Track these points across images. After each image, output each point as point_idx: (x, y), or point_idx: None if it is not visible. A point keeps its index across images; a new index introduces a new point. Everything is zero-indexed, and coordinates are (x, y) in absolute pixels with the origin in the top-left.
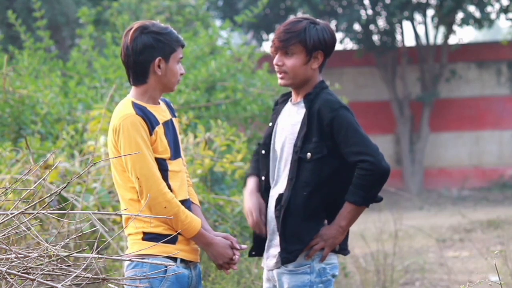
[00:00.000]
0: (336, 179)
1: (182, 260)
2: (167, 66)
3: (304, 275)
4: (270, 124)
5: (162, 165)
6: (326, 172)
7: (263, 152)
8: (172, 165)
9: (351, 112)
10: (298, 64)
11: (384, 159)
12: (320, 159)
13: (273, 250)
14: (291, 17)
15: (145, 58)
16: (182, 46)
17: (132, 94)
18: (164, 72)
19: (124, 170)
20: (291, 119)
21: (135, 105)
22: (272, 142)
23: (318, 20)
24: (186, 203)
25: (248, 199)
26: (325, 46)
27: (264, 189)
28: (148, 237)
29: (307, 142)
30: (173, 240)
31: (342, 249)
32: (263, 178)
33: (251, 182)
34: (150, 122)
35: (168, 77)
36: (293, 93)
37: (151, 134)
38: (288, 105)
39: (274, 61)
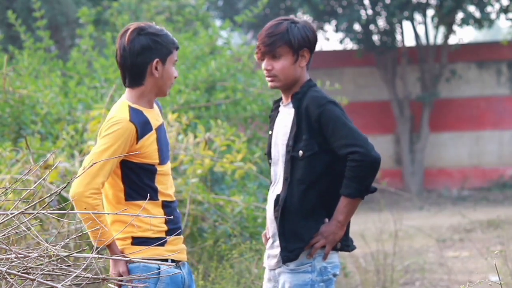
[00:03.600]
0: (330, 174)
1: (173, 261)
2: (163, 68)
3: (306, 274)
4: (270, 132)
5: (149, 169)
6: (319, 168)
7: (270, 161)
8: (160, 169)
9: (339, 106)
10: (287, 65)
11: (374, 149)
12: (312, 155)
13: (274, 250)
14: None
15: (143, 59)
16: (177, 48)
17: (128, 97)
18: (161, 74)
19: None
20: (283, 121)
21: (131, 110)
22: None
23: (296, 18)
24: (173, 203)
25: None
26: (309, 43)
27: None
28: (138, 241)
29: (298, 140)
30: (162, 243)
31: (345, 245)
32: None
33: None
34: (142, 129)
35: (164, 79)
36: (283, 95)
37: (137, 143)
38: (280, 108)
39: (263, 67)
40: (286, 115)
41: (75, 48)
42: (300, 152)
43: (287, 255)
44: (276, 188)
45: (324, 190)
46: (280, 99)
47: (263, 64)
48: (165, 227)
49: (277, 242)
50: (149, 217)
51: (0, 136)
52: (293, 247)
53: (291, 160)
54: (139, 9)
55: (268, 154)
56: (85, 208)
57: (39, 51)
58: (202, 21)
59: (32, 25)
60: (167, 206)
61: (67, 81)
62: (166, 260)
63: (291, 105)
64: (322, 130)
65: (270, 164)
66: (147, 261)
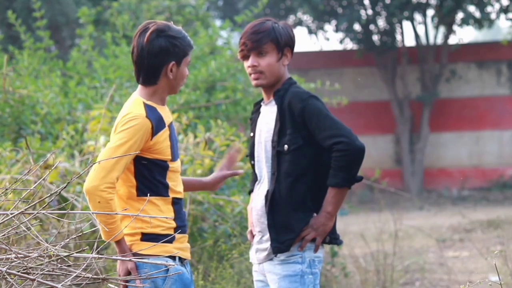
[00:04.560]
0: (316, 167)
1: (179, 259)
2: (178, 70)
3: (296, 264)
4: (252, 134)
5: (161, 165)
6: (305, 161)
7: (252, 162)
8: (172, 166)
9: (321, 100)
10: (272, 62)
11: (358, 139)
12: (297, 149)
13: (263, 244)
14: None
15: (159, 61)
16: (192, 48)
17: (141, 94)
18: (175, 75)
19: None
20: (265, 119)
21: (147, 106)
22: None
23: (275, 19)
24: (181, 201)
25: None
26: (292, 43)
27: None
28: (147, 237)
29: (282, 135)
30: (170, 240)
31: (333, 238)
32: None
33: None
34: (157, 126)
35: (178, 80)
36: (264, 94)
37: (151, 139)
38: (262, 108)
39: (249, 63)
40: (268, 113)
41: (75, 48)
42: (285, 146)
43: (278, 246)
44: (263, 185)
45: (311, 182)
46: (260, 101)
47: (250, 61)
48: (174, 224)
49: (266, 236)
50: (150, 217)
51: (0, 136)
52: (283, 239)
53: (277, 155)
54: (139, 9)
55: (251, 155)
56: (98, 202)
57: (39, 51)
58: (202, 21)
59: (32, 25)
60: (176, 203)
61: (67, 81)
62: (173, 257)
63: (273, 102)
64: (305, 124)
65: (252, 165)
66: (153, 262)
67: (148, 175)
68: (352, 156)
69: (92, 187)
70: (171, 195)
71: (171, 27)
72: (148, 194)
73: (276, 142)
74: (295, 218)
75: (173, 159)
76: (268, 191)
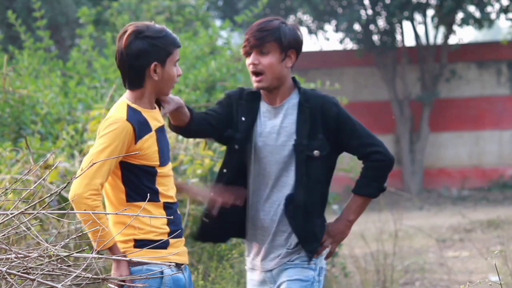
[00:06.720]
0: (331, 174)
1: (176, 264)
2: (163, 70)
3: (310, 270)
4: (243, 118)
5: (149, 171)
6: (330, 168)
7: (236, 147)
8: (161, 171)
9: None
10: (274, 62)
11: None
12: (326, 155)
13: (275, 251)
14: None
15: (140, 63)
16: (179, 47)
17: (128, 97)
18: (161, 76)
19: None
20: (281, 122)
21: (130, 109)
22: (253, 145)
23: (284, 20)
24: (174, 205)
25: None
26: (297, 45)
27: (226, 183)
28: (140, 244)
29: (312, 139)
30: (164, 245)
31: None
32: (225, 171)
33: None
34: (140, 129)
35: (165, 81)
36: (269, 97)
37: (135, 143)
38: (266, 108)
39: (250, 61)
40: (281, 117)
41: (75, 48)
42: (316, 151)
43: (309, 255)
44: (276, 189)
45: (327, 189)
46: (256, 93)
47: (251, 59)
48: (167, 229)
49: (278, 242)
50: (150, 217)
51: (0, 136)
52: (312, 247)
53: (306, 160)
54: (139, 9)
55: (239, 141)
56: (84, 210)
57: (39, 51)
58: (202, 21)
59: (32, 25)
60: (168, 208)
61: (67, 81)
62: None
63: (288, 105)
64: (338, 129)
65: (234, 149)
66: (148, 263)
67: (136, 181)
68: (388, 167)
69: (76, 195)
70: (162, 200)
71: (150, 27)
72: (148, 197)
73: (306, 146)
74: (319, 225)
75: (162, 164)
76: (292, 196)
